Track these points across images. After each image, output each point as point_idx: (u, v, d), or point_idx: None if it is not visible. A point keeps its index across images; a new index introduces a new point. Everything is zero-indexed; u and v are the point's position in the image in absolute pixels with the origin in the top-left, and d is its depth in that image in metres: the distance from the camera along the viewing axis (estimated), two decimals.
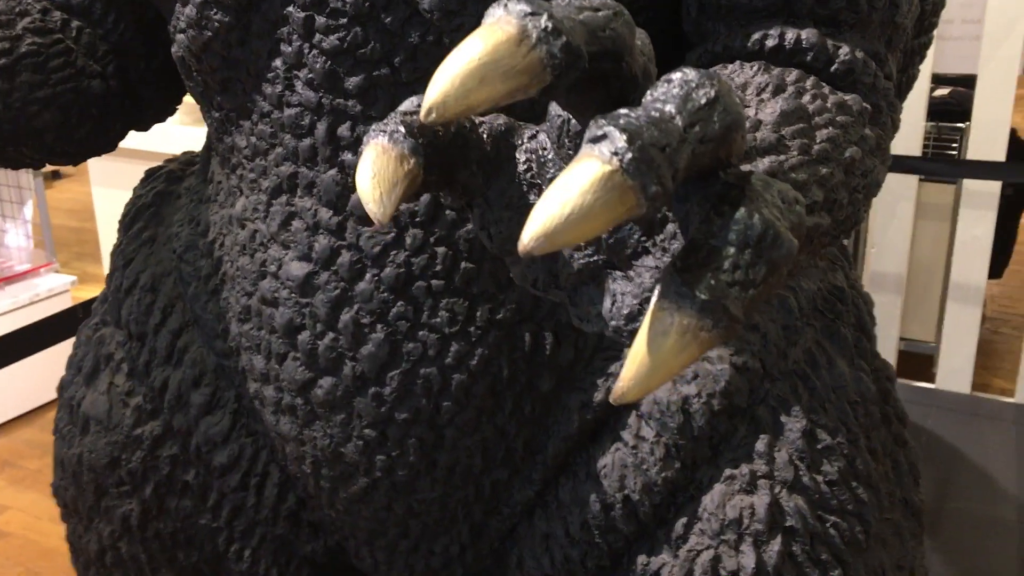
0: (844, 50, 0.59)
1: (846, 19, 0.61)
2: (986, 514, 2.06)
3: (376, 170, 0.38)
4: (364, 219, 0.67)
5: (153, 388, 0.86)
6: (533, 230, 0.31)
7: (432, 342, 0.68)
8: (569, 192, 0.31)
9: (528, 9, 0.33)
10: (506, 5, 0.34)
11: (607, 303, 0.42)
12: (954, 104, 2.69)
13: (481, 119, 0.43)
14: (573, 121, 0.39)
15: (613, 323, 0.42)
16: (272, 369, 0.74)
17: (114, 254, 0.91)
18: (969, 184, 2.45)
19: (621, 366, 0.71)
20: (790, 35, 0.59)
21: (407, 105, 0.40)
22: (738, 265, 0.34)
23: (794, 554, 0.69)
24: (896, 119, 0.63)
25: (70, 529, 0.95)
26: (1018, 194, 2.87)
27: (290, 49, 0.65)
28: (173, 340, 0.85)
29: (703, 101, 0.33)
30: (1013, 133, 2.50)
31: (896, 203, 2.52)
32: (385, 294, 0.68)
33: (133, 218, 0.90)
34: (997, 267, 2.93)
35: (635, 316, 0.41)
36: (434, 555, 0.81)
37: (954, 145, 2.63)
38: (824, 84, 0.57)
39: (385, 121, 0.40)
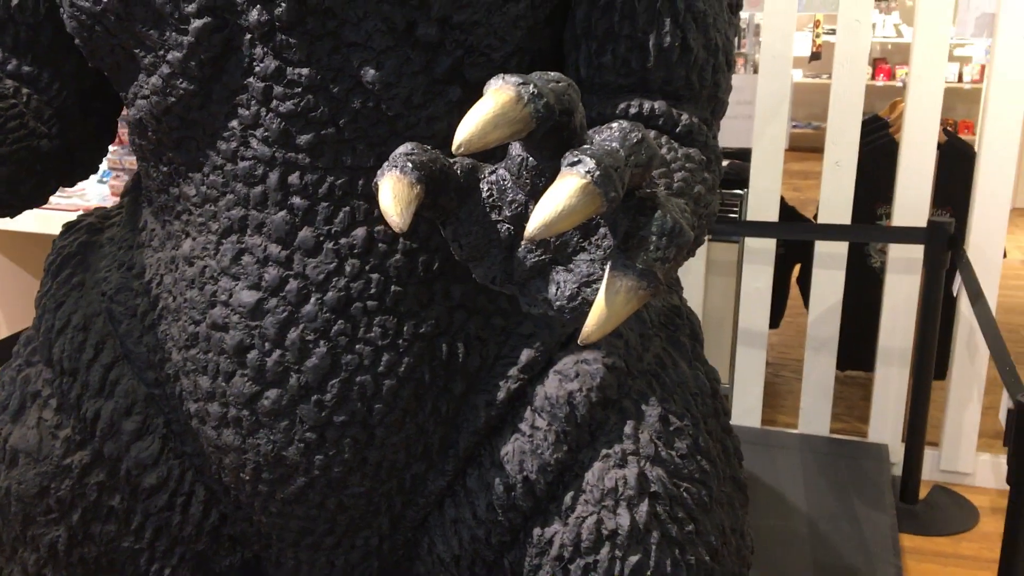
0: (685, 117, 0.80)
1: (684, 95, 0.82)
2: (782, 527, 2.35)
3: (395, 193, 0.54)
4: (310, 252, 0.80)
5: (84, 419, 0.94)
6: (537, 222, 0.48)
7: (367, 354, 0.82)
8: (559, 197, 0.48)
9: (520, 80, 0.50)
10: (503, 77, 0.51)
11: (552, 290, 0.59)
12: (733, 174, 3.07)
13: (454, 159, 0.60)
14: (531, 159, 0.56)
15: (557, 303, 0.59)
16: (218, 387, 0.85)
17: (42, 299, 0.98)
18: (749, 242, 2.81)
19: (518, 369, 0.88)
20: (647, 106, 0.79)
21: (405, 148, 0.56)
22: (659, 247, 0.52)
23: (658, 513, 0.87)
24: (720, 168, 0.84)
25: None
26: (788, 252, 3.28)
27: (247, 112, 0.78)
28: (105, 373, 0.94)
29: (635, 140, 0.51)
30: (782, 199, 2.90)
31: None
32: (328, 314, 0.81)
33: (60, 266, 0.99)
34: (775, 317, 3.32)
35: (575, 296, 0.58)
36: (355, 549, 0.94)
37: (735, 209, 3.00)
38: (673, 140, 0.78)
39: (393, 159, 0.55)
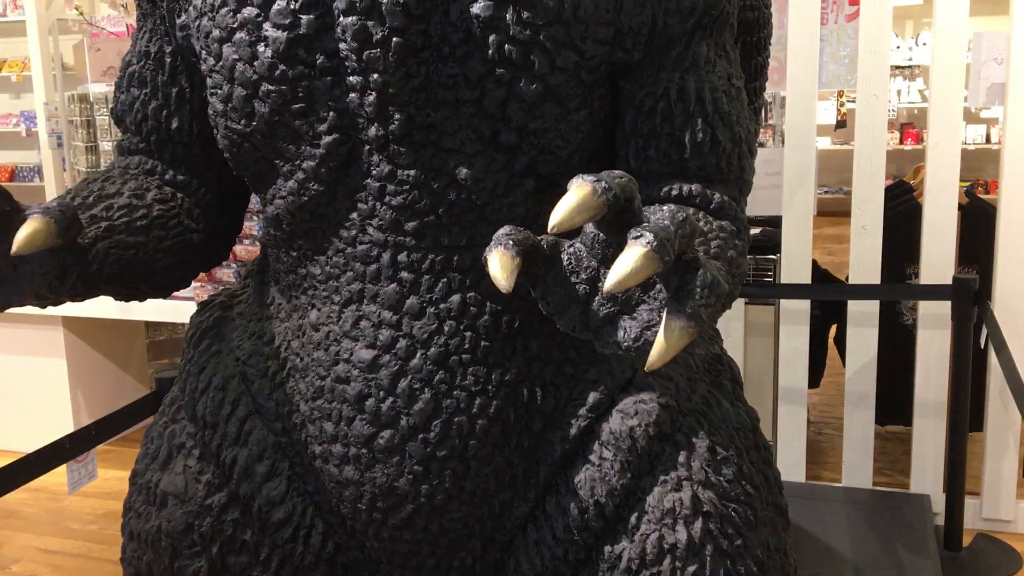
0: (717, 196, 0.99)
1: (716, 178, 1.00)
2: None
3: (502, 264, 0.72)
4: (416, 316, 0.99)
5: (223, 465, 1.12)
6: (613, 280, 0.66)
7: (463, 399, 1.00)
8: (628, 262, 0.66)
9: (595, 178, 0.69)
10: (583, 177, 0.69)
11: (620, 334, 0.77)
12: (765, 240, 3.24)
13: (540, 237, 0.78)
14: (601, 235, 0.75)
15: (625, 344, 0.77)
16: (341, 430, 1.03)
17: (185, 365, 1.18)
18: (785, 304, 2.97)
19: (586, 409, 1.05)
20: (686, 188, 0.98)
21: (506, 230, 0.75)
22: (703, 296, 0.69)
23: (710, 530, 1.02)
24: (749, 236, 1.02)
25: None
26: (824, 313, 3.42)
27: (365, 206, 0.98)
28: (240, 426, 1.12)
29: (681, 218, 0.69)
30: (814, 262, 3.07)
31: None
32: (431, 367, 0.99)
33: (200, 337, 1.18)
34: (815, 378, 3.46)
35: (639, 338, 0.76)
36: (452, 569, 1.10)
37: (769, 273, 3.17)
38: (708, 216, 0.96)
39: (497, 239, 0.74)
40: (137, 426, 2.02)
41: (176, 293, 3.43)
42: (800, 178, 2.89)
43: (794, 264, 2.94)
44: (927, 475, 2.94)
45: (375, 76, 0.92)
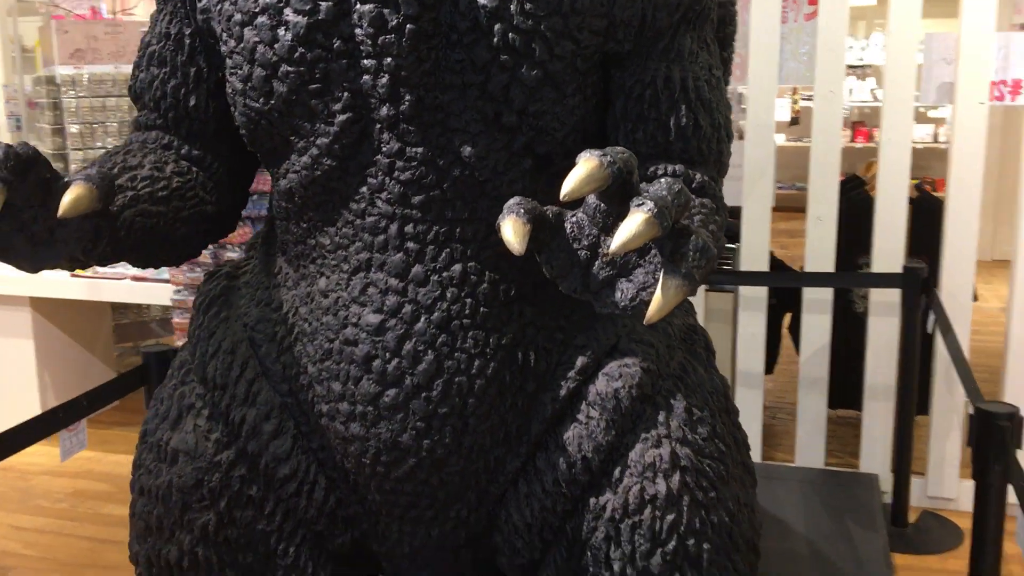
0: (698, 176, 1.08)
1: (697, 160, 1.10)
2: (786, 549, 2.58)
3: (515, 229, 0.81)
4: (421, 283, 1.07)
5: (232, 424, 1.19)
6: (618, 242, 0.75)
7: (463, 360, 1.09)
8: (632, 226, 0.75)
9: (601, 153, 0.78)
10: (590, 152, 0.78)
11: (618, 295, 0.86)
12: (726, 230, 3.35)
13: (546, 207, 0.87)
14: (602, 205, 0.84)
15: (622, 304, 0.85)
16: (348, 389, 1.11)
17: (195, 331, 1.24)
18: (743, 291, 3.09)
19: (575, 372, 1.14)
20: (670, 168, 1.07)
21: (516, 200, 0.83)
22: (695, 259, 0.79)
23: (687, 482, 1.12)
24: (726, 214, 1.12)
25: (148, 546, 1.23)
26: (779, 303, 3.55)
27: (375, 181, 1.06)
28: (248, 387, 1.19)
29: (677, 189, 0.79)
30: (771, 254, 3.19)
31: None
32: (434, 330, 1.08)
33: (208, 305, 1.25)
34: (769, 364, 3.59)
35: (635, 298, 0.85)
36: (448, 520, 1.18)
37: (729, 261, 3.28)
38: (691, 192, 1.05)
39: (509, 207, 0.82)
40: (105, 408, 2.05)
41: (145, 275, 3.43)
42: (760, 171, 3.01)
43: (753, 253, 3.06)
44: (876, 455, 3.09)
45: (388, 60, 1.00)
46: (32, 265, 0.97)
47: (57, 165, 4.14)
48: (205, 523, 1.19)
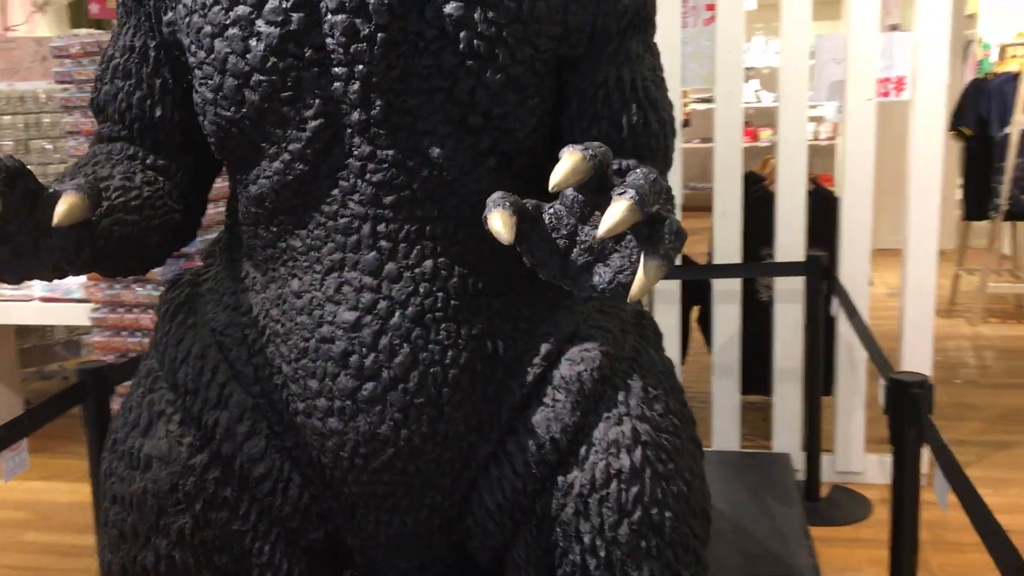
0: (652, 169, 1.16)
1: (647, 154, 1.18)
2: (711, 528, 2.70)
3: (503, 220, 0.87)
4: (394, 280, 1.12)
5: (205, 427, 1.21)
6: (604, 228, 0.82)
7: (437, 351, 1.14)
8: (616, 212, 0.82)
9: (584, 147, 0.85)
10: (573, 146, 0.85)
11: (596, 279, 0.93)
12: None
13: (525, 201, 0.93)
14: (580, 196, 0.91)
15: (600, 287, 0.93)
16: (326, 385, 1.15)
17: (162, 338, 1.26)
18: (658, 285, 3.21)
19: (540, 359, 1.20)
20: (624, 163, 1.15)
21: (500, 194, 0.90)
22: (671, 240, 0.86)
23: (648, 456, 1.19)
24: (674, 203, 1.21)
25: (123, 554, 1.24)
26: (687, 297, 3.69)
27: (347, 183, 1.10)
28: (220, 390, 1.22)
29: (652, 178, 0.86)
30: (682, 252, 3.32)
31: None
32: (409, 324, 1.13)
33: (174, 312, 1.27)
34: (681, 356, 3.73)
35: (612, 281, 0.92)
36: (423, 507, 1.23)
37: None
38: None
39: (495, 200, 0.89)
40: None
41: (55, 296, 3.36)
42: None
43: None
44: (787, 436, 3.25)
45: (360, 67, 1.05)
46: (15, 276, 0.98)
47: None
48: (181, 527, 1.21)
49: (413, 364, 1.13)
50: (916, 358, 3.04)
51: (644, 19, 1.20)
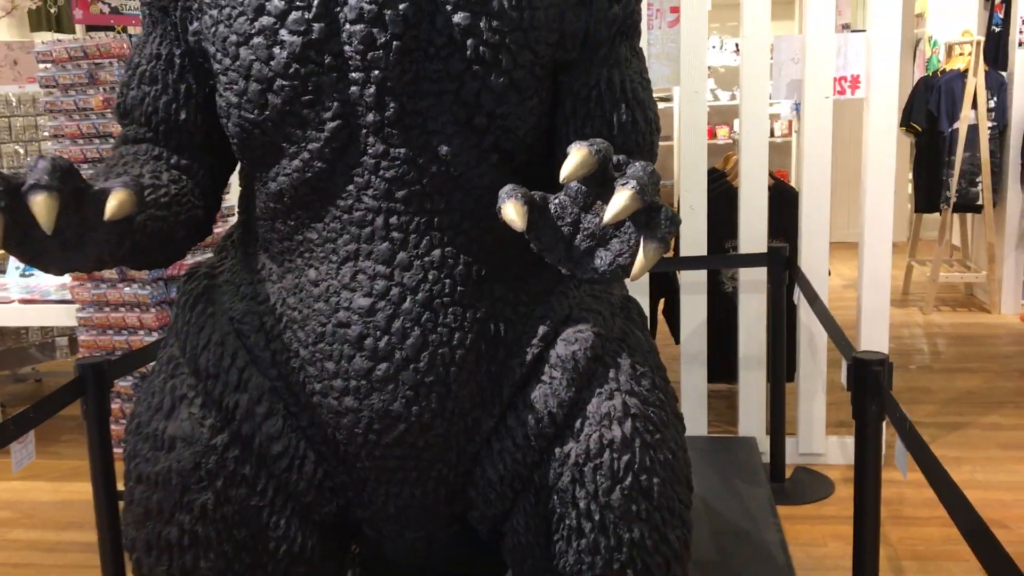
0: (648, 163, 1.28)
1: (634, 150, 1.29)
2: None
3: (516, 210, 0.98)
4: (405, 268, 1.21)
5: (226, 409, 1.30)
6: (610, 214, 0.93)
7: (445, 333, 1.24)
8: (621, 200, 0.93)
9: (590, 143, 0.95)
10: (579, 143, 0.96)
11: (597, 262, 1.04)
12: None
13: (532, 191, 1.04)
14: (583, 188, 1.01)
15: (601, 269, 1.03)
16: (342, 367, 1.24)
17: (183, 327, 1.34)
18: None
19: (538, 340, 1.31)
20: (619, 158, 1.26)
21: (511, 186, 1.00)
22: (667, 226, 0.97)
23: (637, 427, 1.30)
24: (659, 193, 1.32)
25: (147, 530, 1.32)
26: (653, 288, 3.82)
27: (361, 179, 1.20)
28: (240, 374, 1.31)
29: (650, 170, 0.97)
30: None
31: None
32: (419, 309, 1.22)
33: (193, 303, 1.35)
34: None
35: (612, 264, 1.03)
36: (430, 479, 1.33)
37: None
38: None
39: (507, 192, 0.99)
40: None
41: (34, 298, 3.42)
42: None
43: None
44: (752, 421, 3.39)
45: (375, 72, 1.15)
46: (61, 268, 1.06)
47: None
48: (204, 503, 1.29)
49: (423, 345, 1.23)
50: (873, 345, 3.19)
51: (631, 26, 1.31)
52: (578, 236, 1.04)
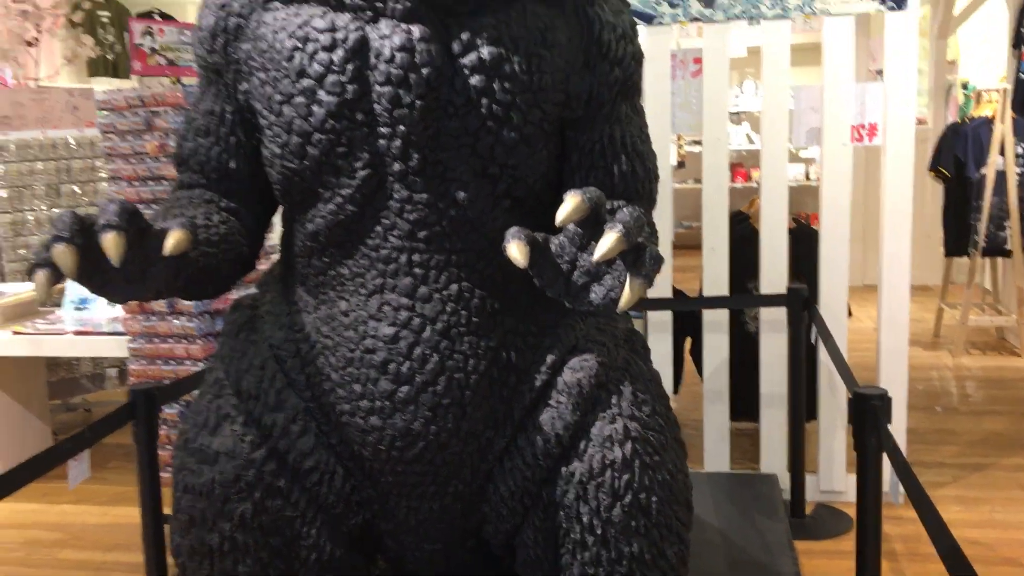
0: (637, 208, 1.41)
1: (634, 197, 1.43)
2: (701, 539, 2.91)
3: (520, 249, 1.12)
4: (426, 300, 1.36)
5: (264, 427, 1.44)
6: (599, 253, 1.07)
7: (461, 360, 1.37)
8: (608, 242, 1.07)
9: (583, 191, 1.10)
10: (573, 191, 1.10)
11: (592, 296, 1.17)
12: None
13: (534, 233, 1.17)
14: (579, 230, 1.15)
15: (596, 302, 1.17)
16: (368, 389, 1.38)
17: (230, 352, 1.49)
18: (651, 316, 3.45)
19: (546, 367, 1.43)
20: (615, 204, 1.39)
21: (516, 229, 1.14)
22: (651, 264, 1.11)
23: (637, 449, 1.42)
24: (658, 238, 1.45)
25: (192, 536, 1.46)
26: (679, 328, 3.93)
27: (388, 221, 1.34)
28: (277, 396, 1.45)
29: (636, 215, 1.11)
30: (674, 287, 3.57)
31: None
32: (437, 337, 1.36)
33: (237, 331, 1.50)
34: (675, 385, 3.96)
35: (605, 297, 1.16)
36: (447, 495, 1.46)
37: None
38: None
39: (512, 233, 1.13)
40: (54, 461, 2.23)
41: (88, 330, 3.61)
42: (659, 210, 3.38)
43: (657, 283, 3.43)
44: (774, 457, 3.47)
45: (401, 128, 1.30)
46: (123, 298, 1.22)
47: None
48: (243, 512, 1.43)
49: (441, 370, 1.37)
50: (892, 383, 3.27)
51: (631, 87, 1.45)
52: (575, 272, 1.18)
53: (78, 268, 1.12)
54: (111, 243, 1.11)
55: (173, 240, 1.17)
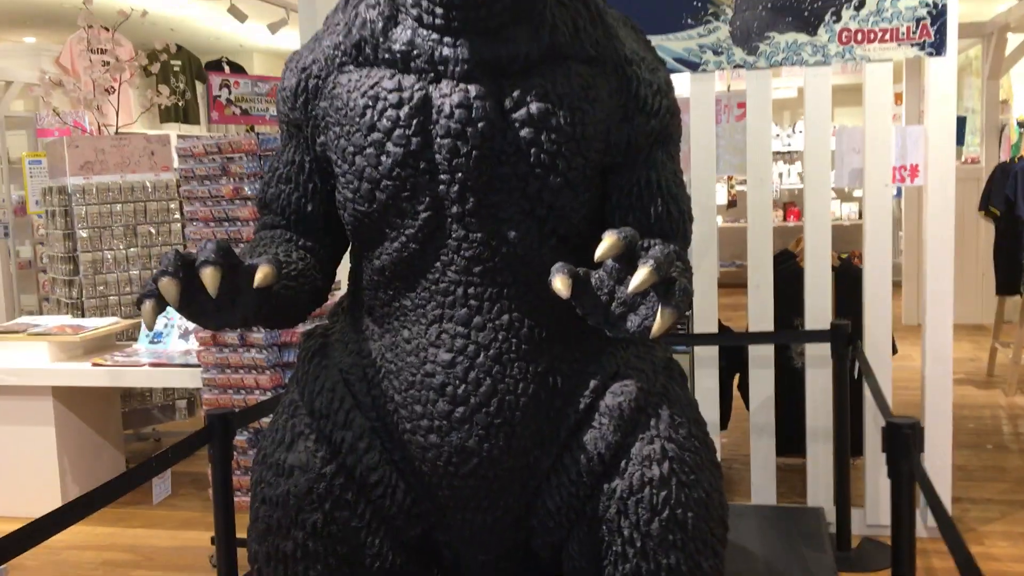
0: (671, 246, 1.54)
1: (670, 235, 1.56)
2: (747, 570, 2.99)
3: (563, 282, 1.26)
4: (480, 329, 1.50)
5: (334, 443, 1.59)
6: (633, 286, 1.21)
7: (511, 384, 1.51)
8: (642, 275, 1.21)
9: (619, 231, 1.24)
10: (610, 231, 1.24)
11: (628, 324, 1.31)
12: None
13: (577, 267, 1.32)
14: (617, 265, 1.29)
15: (632, 330, 1.31)
16: (428, 409, 1.52)
17: (303, 376, 1.65)
18: (698, 351, 3.55)
19: (589, 392, 1.57)
20: (650, 242, 1.53)
21: (560, 264, 1.28)
22: (681, 296, 1.24)
23: (674, 468, 1.54)
24: (692, 275, 1.58)
25: (268, 544, 1.61)
26: (727, 364, 4.02)
27: (447, 258, 1.50)
28: (346, 416, 1.60)
29: (668, 251, 1.24)
30: (719, 321, 3.67)
31: None
32: (490, 363, 1.50)
33: (311, 357, 1.67)
34: (723, 421, 4.04)
35: (640, 326, 1.30)
36: (499, 508, 1.59)
37: (683, 326, 3.75)
38: None
39: (557, 268, 1.28)
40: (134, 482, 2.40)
41: (162, 361, 3.83)
42: (704, 247, 3.51)
43: (703, 319, 3.54)
44: (820, 491, 3.53)
45: (459, 174, 1.46)
46: (216, 325, 1.38)
47: (67, 267, 4.51)
48: (314, 521, 1.58)
49: (493, 393, 1.51)
50: (937, 417, 3.33)
51: (667, 136, 1.59)
52: (613, 303, 1.31)
53: (180, 298, 1.29)
54: (209, 277, 1.28)
55: (262, 275, 1.33)
